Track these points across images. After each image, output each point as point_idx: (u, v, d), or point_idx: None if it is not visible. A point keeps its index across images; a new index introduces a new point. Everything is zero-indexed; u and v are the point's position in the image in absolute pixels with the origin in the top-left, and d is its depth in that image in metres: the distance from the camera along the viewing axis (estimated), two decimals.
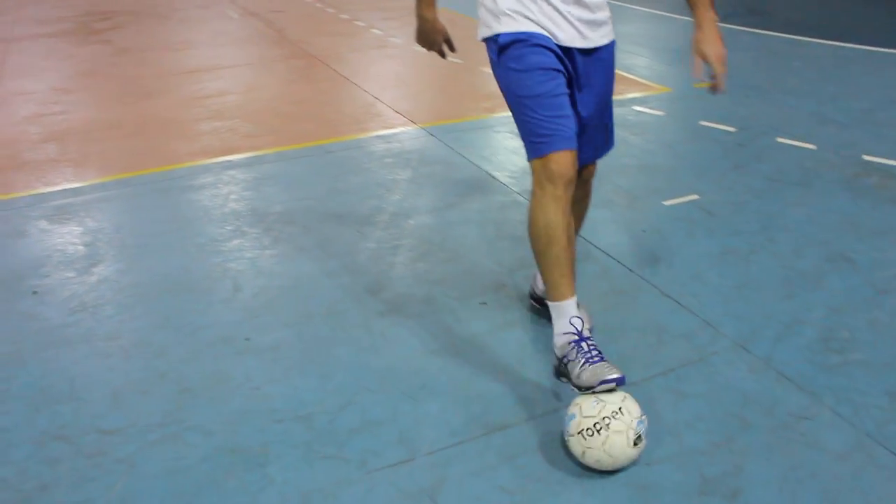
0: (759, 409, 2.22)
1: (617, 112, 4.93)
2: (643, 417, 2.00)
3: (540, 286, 2.62)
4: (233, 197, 3.71)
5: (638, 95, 5.08)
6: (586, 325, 2.16)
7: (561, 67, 2.13)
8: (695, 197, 3.56)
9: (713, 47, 2.14)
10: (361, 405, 2.27)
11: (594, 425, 1.95)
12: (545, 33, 2.11)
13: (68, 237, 3.38)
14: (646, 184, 3.73)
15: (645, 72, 5.62)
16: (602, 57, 2.23)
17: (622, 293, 2.82)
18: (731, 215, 3.38)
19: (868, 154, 4.01)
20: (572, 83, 2.20)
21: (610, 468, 1.99)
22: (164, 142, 4.54)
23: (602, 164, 3.88)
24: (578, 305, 2.19)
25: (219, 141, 4.47)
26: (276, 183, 3.84)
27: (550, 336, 2.53)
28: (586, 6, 2.14)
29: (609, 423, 1.94)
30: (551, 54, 2.11)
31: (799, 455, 2.06)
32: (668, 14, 7.65)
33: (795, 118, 4.58)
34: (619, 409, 1.97)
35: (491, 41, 2.19)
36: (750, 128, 4.42)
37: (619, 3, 8.15)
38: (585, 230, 3.24)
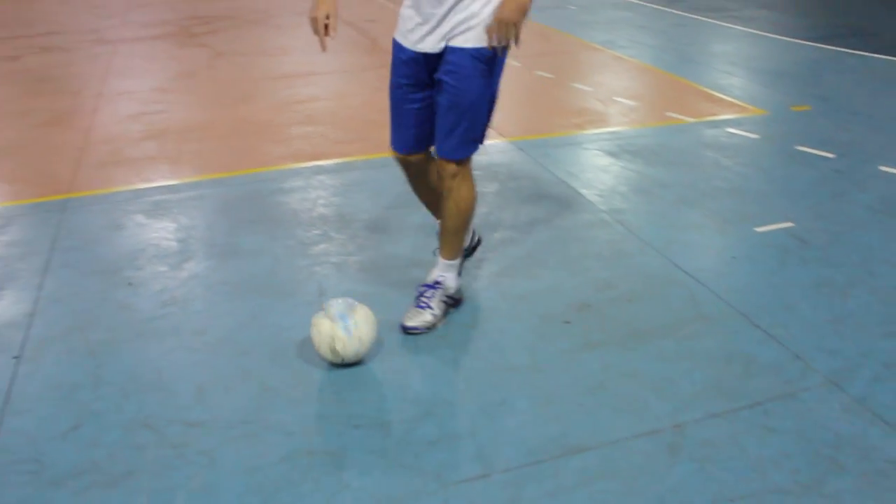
0: (852, 452, 2.12)
1: (709, 133, 4.86)
2: (337, 301, 2.49)
3: None
4: (321, 202, 3.77)
5: (731, 117, 4.96)
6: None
7: (408, 80, 2.50)
8: (789, 224, 3.45)
9: (501, 11, 2.23)
10: (439, 417, 2.27)
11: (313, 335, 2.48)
12: (402, 41, 2.48)
13: (163, 232, 3.49)
14: (737, 208, 3.64)
15: (739, 93, 5.49)
16: (448, 59, 2.39)
17: (709, 320, 2.75)
18: (827, 245, 3.26)
19: None
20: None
21: (344, 349, 2.44)
22: (256, 144, 4.65)
23: (692, 187, 3.83)
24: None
25: (309, 146, 4.56)
26: (364, 190, 3.89)
27: (634, 360, 2.51)
28: (429, 10, 2.36)
29: (314, 322, 2.48)
30: (403, 66, 2.50)
31: None
32: (765, 34, 7.46)
33: None
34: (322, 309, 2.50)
35: None
36: (851, 154, 4.26)
37: (715, 22, 7.99)
38: (672, 252, 3.18)
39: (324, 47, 2.58)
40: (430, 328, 2.68)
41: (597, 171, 4.11)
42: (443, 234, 2.71)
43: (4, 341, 2.69)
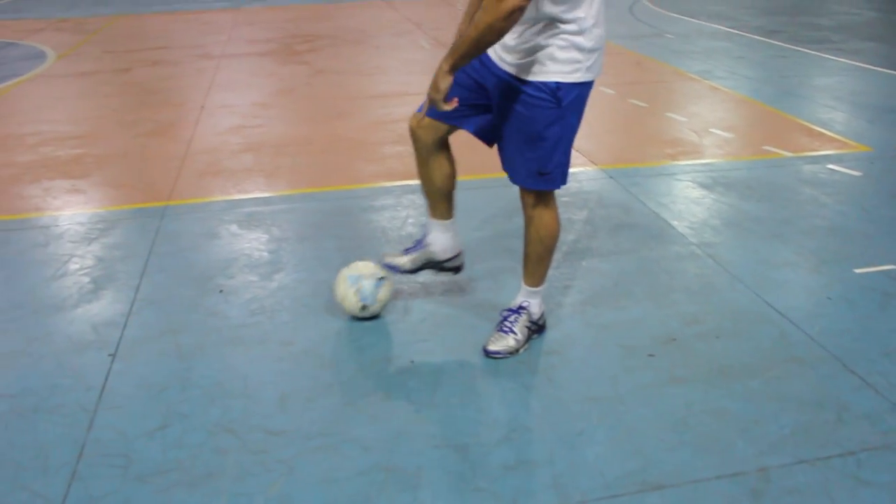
0: None
1: (808, 169, 4.70)
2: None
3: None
4: (410, 220, 3.81)
5: (832, 153, 4.80)
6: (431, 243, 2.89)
7: (474, 75, 2.48)
8: (891, 267, 3.30)
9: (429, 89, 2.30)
10: (517, 443, 2.25)
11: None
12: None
13: (255, 243, 3.59)
14: (835, 248, 3.51)
15: (842, 128, 5.30)
16: (513, 86, 2.37)
17: (800, 362, 2.65)
18: None
19: None
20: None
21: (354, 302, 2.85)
22: (349, 161, 4.75)
23: (788, 224, 3.71)
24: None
25: (401, 165, 4.62)
26: (455, 210, 3.90)
27: (719, 399, 2.44)
28: (512, 38, 2.32)
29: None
30: (477, 62, 2.45)
31: None
32: (871, 67, 7.20)
33: None
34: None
35: None
36: None
37: (818, 54, 7.77)
38: (763, 289, 3.08)
39: None
40: (512, 353, 2.68)
41: (688, 202, 4.03)
42: (525, 262, 2.71)
43: (102, 339, 2.81)
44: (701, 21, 10.13)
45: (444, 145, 2.67)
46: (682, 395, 2.47)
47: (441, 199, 2.78)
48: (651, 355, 2.69)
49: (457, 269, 2.96)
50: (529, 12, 2.23)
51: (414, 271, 2.91)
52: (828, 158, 4.70)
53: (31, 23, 11.08)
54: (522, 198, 2.60)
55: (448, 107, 2.28)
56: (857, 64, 7.40)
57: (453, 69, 2.24)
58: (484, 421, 2.35)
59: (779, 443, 2.25)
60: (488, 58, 2.44)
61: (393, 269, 2.89)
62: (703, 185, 4.25)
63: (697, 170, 4.51)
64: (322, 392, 2.50)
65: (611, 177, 4.37)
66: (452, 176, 2.74)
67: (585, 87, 2.39)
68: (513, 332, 2.69)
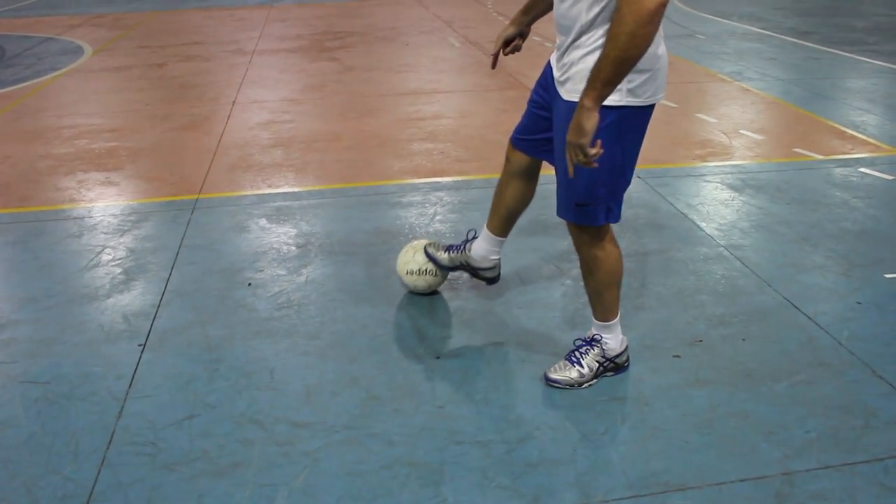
0: None
1: (839, 172, 4.66)
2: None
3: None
4: (438, 217, 3.83)
5: (865, 156, 4.74)
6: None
7: (542, 86, 2.41)
8: None
9: (567, 133, 2.04)
10: (540, 441, 2.26)
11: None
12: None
13: (284, 237, 3.63)
14: (866, 252, 3.47)
15: (875, 131, 5.23)
16: (560, 105, 2.23)
17: (827, 366, 2.63)
18: None
19: None
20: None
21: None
22: (378, 157, 4.77)
23: (818, 227, 3.68)
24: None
25: (430, 162, 4.64)
26: (481, 209, 3.92)
27: (745, 402, 2.43)
28: (559, 38, 2.21)
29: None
30: (542, 75, 2.42)
31: None
32: None
33: None
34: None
35: None
36: None
37: (852, 56, 7.66)
38: (791, 293, 3.06)
39: (493, 65, 2.67)
40: (572, 386, 2.50)
41: (717, 204, 4.01)
42: (587, 295, 2.53)
43: (133, 329, 2.86)
44: (732, 22, 10.04)
45: (531, 175, 2.64)
46: (707, 397, 2.46)
47: (502, 214, 2.73)
48: (676, 356, 2.68)
49: (491, 280, 2.92)
50: (571, 20, 2.09)
51: (450, 269, 2.93)
52: (859, 161, 4.64)
53: (69, 18, 11.26)
54: (569, 230, 2.41)
55: (595, 151, 1.99)
56: (892, 66, 7.29)
57: (599, 102, 1.96)
58: (508, 418, 2.36)
59: (804, 447, 2.24)
60: (549, 77, 2.32)
61: (432, 259, 2.91)
62: (732, 187, 4.22)
63: (727, 171, 4.48)
64: (347, 386, 2.52)
65: (639, 177, 4.36)
66: (524, 203, 2.71)
67: (629, 112, 2.13)
68: (579, 364, 2.51)
